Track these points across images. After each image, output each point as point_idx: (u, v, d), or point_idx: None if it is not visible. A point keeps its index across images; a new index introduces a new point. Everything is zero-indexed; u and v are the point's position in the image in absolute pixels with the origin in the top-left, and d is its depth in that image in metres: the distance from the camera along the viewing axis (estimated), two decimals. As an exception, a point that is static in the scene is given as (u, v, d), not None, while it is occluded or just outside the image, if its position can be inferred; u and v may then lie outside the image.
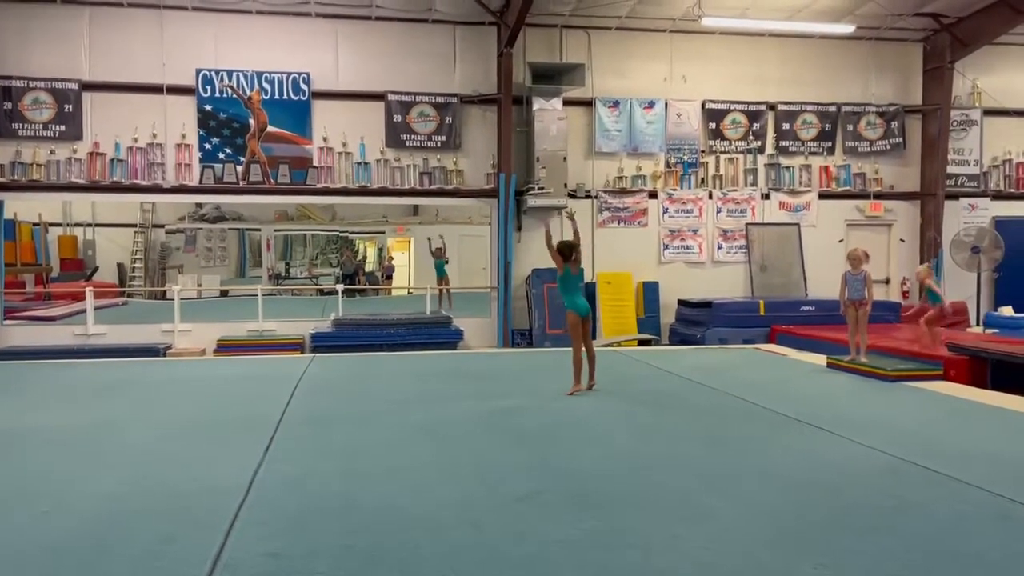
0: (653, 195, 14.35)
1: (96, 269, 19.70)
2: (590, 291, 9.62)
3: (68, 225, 20.05)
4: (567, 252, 7.04)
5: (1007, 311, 12.69)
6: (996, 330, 11.73)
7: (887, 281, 15.29)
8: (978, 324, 13.41)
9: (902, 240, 15.27)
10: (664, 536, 3.41)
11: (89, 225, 20.22)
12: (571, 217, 7.49)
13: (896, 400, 6.73)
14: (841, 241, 14.63)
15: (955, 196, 15.08)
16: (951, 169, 15.07)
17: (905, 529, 3.51)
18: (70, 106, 12.44)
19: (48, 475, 4.41)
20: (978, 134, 15.32)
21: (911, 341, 10.07)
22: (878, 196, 15.05)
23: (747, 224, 14.64)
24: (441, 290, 16.22)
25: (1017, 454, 4.84)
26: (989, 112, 15.26)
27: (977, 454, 4.82)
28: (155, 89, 12.65)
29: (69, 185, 12.57)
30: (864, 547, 3.29)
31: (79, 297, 13.77)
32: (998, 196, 15.44)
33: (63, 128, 12.45)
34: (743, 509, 3.77)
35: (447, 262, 16.99)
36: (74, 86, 12.44)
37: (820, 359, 9.02)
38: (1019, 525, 3.58)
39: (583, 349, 7.06)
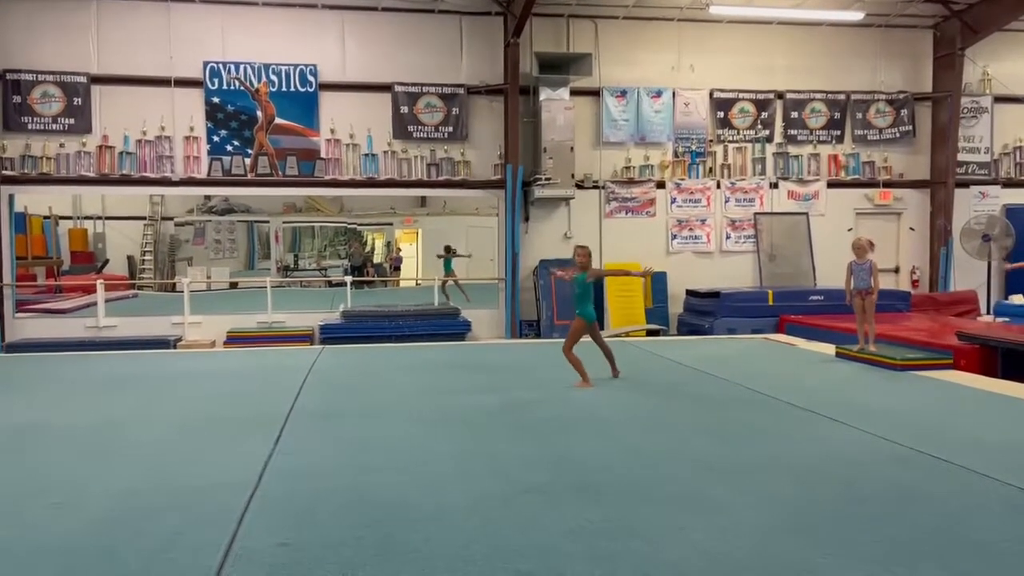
0: (661, 185, 14.31)
1: (106, 262, 19.81)
2: (598, 283, 9.61)
3: (78, 218, 20.15)
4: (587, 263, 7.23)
5: (1018, 299, 12.59)
6: (1007, 319, 11.65)
7: (896, 270, 15.23)
8: (988, 313, 13.34)
9: (912, 229, 15.19)
10: (673, 527, 3.42)
11: (99, 218, 20.32)
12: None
13: (905, 389, 6.72)
14: (850, 230, 14.55)
15: (965, 184, 14.97)
16: (961, 157, 14.97)
17: (914, 518, 3.51)
18: (79, 99, 12.48)
19: (60, 470, 4.45)
20: (988, 121, 15.19)
21: (921, 330, 10.03)
22: (887, 184, 14.96)
23: (755, 213, 14.59)
24: (446, 281, 16.20)
25: (1027, 443, 4.83)
26: (1000, 99, 15.13)
27: (987, 443, 4.81)
28: (163, 82, 12.67)
29: (79, 178, 12.64)
30: (873, 536, 3.29)
31: (90, 290, 13.85)
32: (1009, 184, 15.31)
33: (72, 121, 12.49)
34: (752, 499, 3.78)
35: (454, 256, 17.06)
36: (83, 79, 12.48)
37: (829, 348, 9.01)
38: (1028, 514, 3.57)
39: (599, 346, 7.30)
